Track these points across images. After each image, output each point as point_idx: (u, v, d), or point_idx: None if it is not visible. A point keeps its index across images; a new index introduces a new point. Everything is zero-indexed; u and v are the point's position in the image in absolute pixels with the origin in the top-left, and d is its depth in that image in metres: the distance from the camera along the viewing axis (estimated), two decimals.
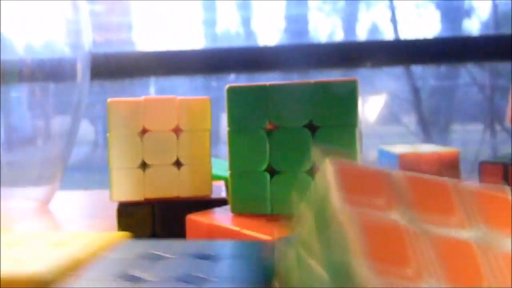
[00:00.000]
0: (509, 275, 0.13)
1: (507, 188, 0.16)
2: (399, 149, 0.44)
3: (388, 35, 1.08)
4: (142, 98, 0.27)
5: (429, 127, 1.12)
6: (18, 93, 0.45)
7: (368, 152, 1.16)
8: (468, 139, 1.11)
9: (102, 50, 0.91)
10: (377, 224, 0.12)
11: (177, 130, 0.27)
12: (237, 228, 0.21)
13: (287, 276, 0.15)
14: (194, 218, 0.23)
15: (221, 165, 0.36)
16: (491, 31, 1.17)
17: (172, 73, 0.97)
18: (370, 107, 1.10)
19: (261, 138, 0.23)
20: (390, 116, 1.16)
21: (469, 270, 0.13)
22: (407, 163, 0.42)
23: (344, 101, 0.23)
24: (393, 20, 1.10)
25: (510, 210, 0.15)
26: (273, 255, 0.16)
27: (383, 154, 0.46)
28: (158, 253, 0.18)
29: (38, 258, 0.18)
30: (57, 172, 0.46)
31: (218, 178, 0.34)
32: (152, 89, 1.04)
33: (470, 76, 1.23)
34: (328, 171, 0.13)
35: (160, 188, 0.27)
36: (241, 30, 1.05)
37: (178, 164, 0.27)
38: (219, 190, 0.30)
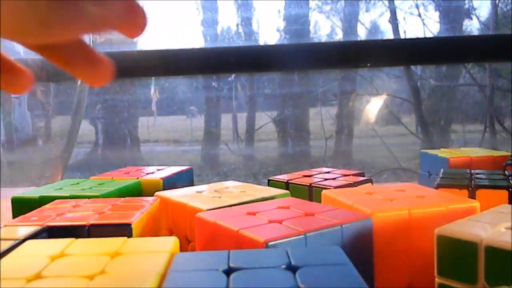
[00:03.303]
0: None
1: None
2: (445, 153, 0.44)
3: (388, 35, 1.08)
4: None
5: (429, 127, 1.13)
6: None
7: (368, 153, 1.16)
8: (468, 139, 1.12)
9: (103, 49, 0.91)
10: None
11: None
12: (235, 229, 0.21)
13: None
14: (202, 217, 0.24)
15: None
16: (491, 31, 1.17)
17: (172, 73, 0.97)
18: (370, 107, 1.10)
19: None
20: (390, 116, 1.16)
21: None
22: (458, 166, 0.41)
23: None
24: (393, 20, 1.10)
25: None
26: None
27: (427, 157, 0.46)
28: (234, 266, 0.16)
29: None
30: (57, 172, 0.46)
31: None
32: (152, 89, 1.04)
33: (470, 76, 1.23)
34: None
35: None
36: (241, 30, 1.05)
37: None
38: None
